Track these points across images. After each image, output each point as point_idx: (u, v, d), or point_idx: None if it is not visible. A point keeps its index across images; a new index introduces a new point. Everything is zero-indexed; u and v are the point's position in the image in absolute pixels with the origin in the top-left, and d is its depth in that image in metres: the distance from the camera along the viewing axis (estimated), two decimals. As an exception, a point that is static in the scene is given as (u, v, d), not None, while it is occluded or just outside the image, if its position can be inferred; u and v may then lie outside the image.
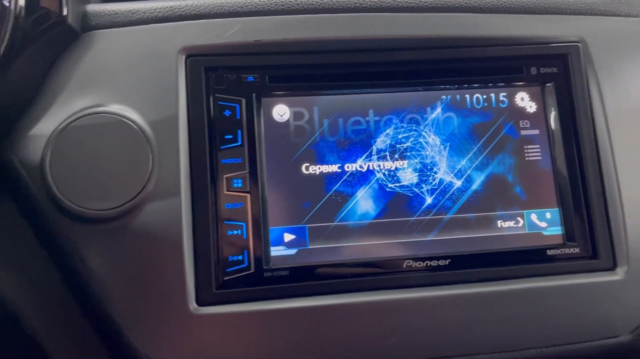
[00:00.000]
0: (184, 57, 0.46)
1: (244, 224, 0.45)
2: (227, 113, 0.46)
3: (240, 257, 0.45)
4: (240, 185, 0.45)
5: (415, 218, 0.47)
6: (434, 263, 0.46)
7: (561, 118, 0.50)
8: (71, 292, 0.45)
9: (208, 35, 0.46)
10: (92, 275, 0.43)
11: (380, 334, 0.44)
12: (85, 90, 0.45)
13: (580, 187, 0.48)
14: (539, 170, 0.49)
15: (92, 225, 0.43)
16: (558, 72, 0.50)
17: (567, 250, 0.48)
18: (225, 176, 0.45)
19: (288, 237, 0.46)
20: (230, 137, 0.46)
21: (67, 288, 0.45)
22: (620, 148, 0.48)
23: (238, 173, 0.45)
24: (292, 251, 0.46)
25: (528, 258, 0.47)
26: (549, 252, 0.48)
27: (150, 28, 0.46)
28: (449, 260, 0.46)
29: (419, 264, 0.46)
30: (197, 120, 0.45)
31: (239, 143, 0.46)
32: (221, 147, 0.45)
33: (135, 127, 0.44)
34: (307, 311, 0.44)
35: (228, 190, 0.45)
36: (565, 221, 0.48)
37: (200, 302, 0.43)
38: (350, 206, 0.47)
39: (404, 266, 0.46)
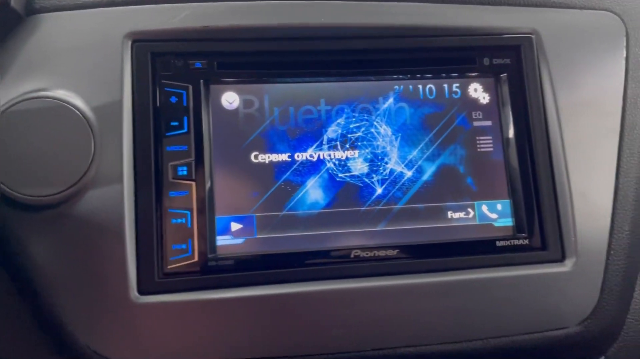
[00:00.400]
0: (130, 42, 0.45)
1: (188, 212, 0.44)
2: (173, 99, 0.45)
3: (184, 246, 0.44)
4: (185, 172, 0.45)
5: (365, 208, 0.47)
6: (382, 253, 0.46)
7: (514, 109, 0.49)
8: (11, 281, 0.44)
9: (155, 20, 0.45)
10: (32, 263, 0.42)
11: (326, 324, 0.44)
12: (29, 74, 0.44)
13: (531, 179, 0.48)
14: (490, 161, 0.49)
15: (31, 212, 0.42)
16: (511, 63, 0.50)
17: (516, 242, 0.48)
18: (170, 163, 0.44)
19: (235, 226, 0.45)
20: (176, 123, 0.45)
21: (7, 277, 0.44)
22: (570, 140, 0.48)
23: (183, 160, 0.45)
24: (239, 241, 0.45)
25: (477, 249, 0.47)
26: (499, 243, 0.47)
27: (96, 12, 0.46)
28: (397, 250, 0.46)
29: (367, 254, 0.46)
30: (142, 107, 0.44)
31: (184, 131, 0.45)
32: (166, 134, 0.45)
33: (77, 112, 0.43)
34: (251, 300, 0.43)
35: (173, 178, 0.44)
36: (516, 213, 0.48)
37: (142, 291, 0.42)
38: (299, 195, 0.46)
39: (352, 256, 0.46)
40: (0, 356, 0.45)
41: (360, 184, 0.47)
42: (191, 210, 0.44)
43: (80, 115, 0.43)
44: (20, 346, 0.45)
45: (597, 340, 0.48)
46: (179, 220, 0.44)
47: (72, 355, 0.43)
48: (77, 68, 0.44)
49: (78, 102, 0.43)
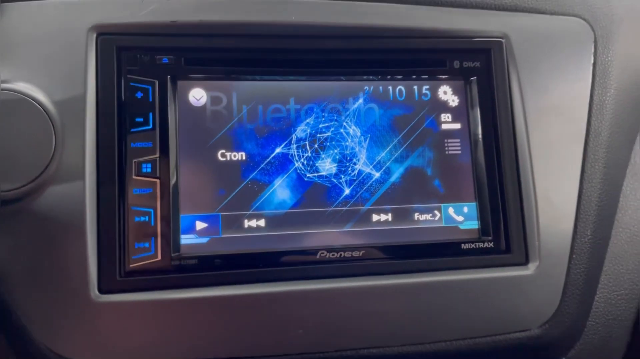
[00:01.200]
0: (94, 35, 0.44)
1: (152, 210, 0.43)
2: (139, 95, 0.44)
3: (147, 244, 0.43)
4: (149, 170, 0.44)
5: (332, 208, 0.47)
6: (347, 254, 0.46)
7: (482, 113, 0.50)
8: None
9: (122, 13, 0.44)
10: None
11: (289, 325, 0.44)
12: (-11, 66, 0.43)
13: (497, 182, 0.48)
14: (458, 164, 0.49)
15: (-11, 207, 0.41)
16: (481, 66, 0.50)
17: (481, 244, 0.48)
18: (134, 160, 0.43)
19: (200, 225, 0.45)
20: (142, 119, 0.44)
21: None
22: (537, 145, 0.49)
23: (147, 157, 0.44)
24: (204, 240, 0.45)
25: (442, 251, 0.47)
26: (464, 246, 0.48)
27: (60, 3, 0.44)
28: (363, 251, 0.46)
29: (333, 255, 0.46)
30: (106, 101, 0.43)
31: (150, 127, 0.44)
32: (131, 130, 0.44)
33: (38, 106, 0.42)
34: (214, 301, 0.43)
35: (137, 175, 0.43)
36: (482, 216, 0.49)
37: (103, 290, 0.42)
38: (266, 195, 0.46)
39: (318, 256, 0.45)
40: None
41: (329, 184, 0.47)
42: (155, 208, 0.43)
43: (42, 109, 0.42)
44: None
45: (558, 342, 0.49)
46: (142, 218, 0.43)
47: (30, 356, 0.42)
48: (40, 61, 0.43)
49: (40, 95, 0.42)
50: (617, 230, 0.54)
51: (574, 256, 0.49)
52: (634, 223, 0.55)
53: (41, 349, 0.41)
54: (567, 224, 0.49)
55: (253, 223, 0.45)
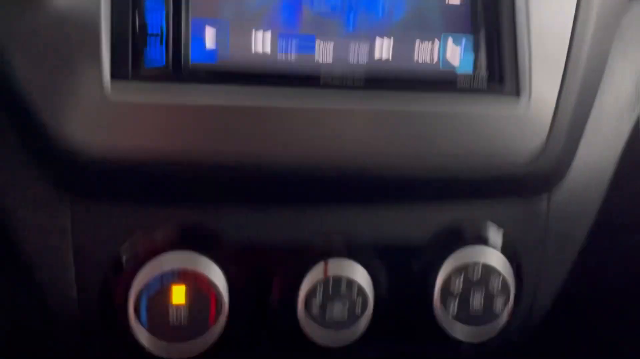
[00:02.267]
0: None
1: (163, 17, 0.45)
2: None
3: (158, 54, 0.45)
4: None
5: (336, 40, 0.48)
6: (349, 82, 0.48)
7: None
8: None
9: None
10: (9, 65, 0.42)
11: (292, 139, 0.46)
12: None
13: (493, 15, 0.50)
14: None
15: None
16: None
17: (475, 82, 0.50)
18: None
19: (211, 41, 0.46)
20: None
21: None
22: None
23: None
24: (213, 60, 0.46)
25: (439, 87, 0.49)
26: (459, 82, 0.50)
27: None
28: (364, 81, 0.48)
29: (335, 82, 0.48)
30: None
31: None
32: None
33: None
34: (222, 110, 0.44)
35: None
36: (477, 50, 0.51)
37: (116, 91, 0.43)
38: (276, 13, 0.47)
39: (322, 82, 0.47)
40: None
41: (334, 19, 0.48)
42: (167, 12, 0.45)
43: None
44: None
45: (543, 176, 0.52)
46: (155, 30, 0.45)
47: (49, 153, 0.44)
48: None
49: None
50: (604, 84, 0.56)
51: (562, 95, 0.51)
52: (619, 79, 0.57)
53: (59, 145, 0.43)
54: (557, 66, 0.51)
55: (262, 45, 0.47)
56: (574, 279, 0.58)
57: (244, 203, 0.49)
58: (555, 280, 0.57)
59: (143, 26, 0.45)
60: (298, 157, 0.46)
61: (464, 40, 0.51)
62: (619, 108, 0.58)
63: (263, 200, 0.49)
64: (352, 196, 0.49)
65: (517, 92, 0.50)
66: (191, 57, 0.46)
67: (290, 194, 0.48)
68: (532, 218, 0.55)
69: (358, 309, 0.47)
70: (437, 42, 0.50)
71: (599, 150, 0.56)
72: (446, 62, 0.50)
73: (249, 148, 0.45)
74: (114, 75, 0.43)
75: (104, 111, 0.43)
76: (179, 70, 0.45)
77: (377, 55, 0.49)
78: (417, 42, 0.50)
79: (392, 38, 0.49)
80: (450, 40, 0.50)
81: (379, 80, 0.49)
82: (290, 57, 0.47)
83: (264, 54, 0.47)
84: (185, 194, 0.47)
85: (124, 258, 0.47)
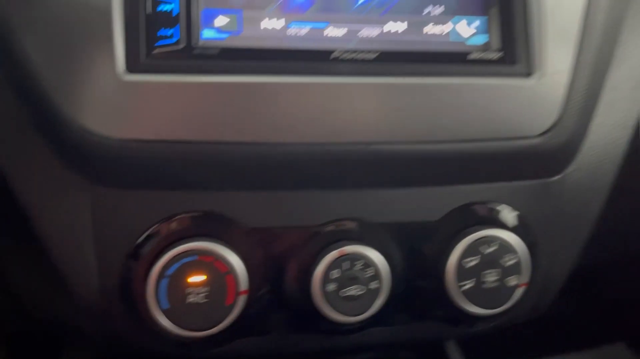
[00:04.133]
0: None
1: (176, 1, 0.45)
2: None
3: (170, 32, 0.45)
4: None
5: (348, 14, 0.49)
6: (360, 56, 0.48)
7: None
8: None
9: None
10: (17, 38, 0.43)
11: (303, 115, 0.46)
12: None
13: None
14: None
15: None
16: None
17: (488, 55, 0.50)
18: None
19: (221, 20, 0.47)
20: None
21: None
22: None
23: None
24: (224, 36, 0.47)
25: (451, 59, 0.49)
26: (471, 55, 0.50)
27: None
28: (376, 55, 0.48)
29: (347, 55, 0.48)
30: None
31: None
32: None
33: None
34: (235, 86, 0.45)
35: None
36: (490, 29, 0.50)
37: (128, 70, 0.44)
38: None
39: (332, 57, 0.48)
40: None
41: None
42: None
43: None
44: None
45: (556, 155, 0.52)
46: (166, 7, 0.45)
47: (66, 137, 0.45)
48: None
49: None
50: (617, 60, 0.56)
51: (575, 71, 0.51)
52: (632, 56, 0.57)
53: (74, 126, 0.44)
54: (571, 40, 0.51)
55: (273, 22, 0.47)
56: (588, 257, 0.59)
57: (258, 188, 0.49)
58: (568, 258, 0.58)
59: (155, 5, 0.45)
60: (310, 132, 0.46)
61: (477, 22, 0.51)
62: (632, 83, 0.57)
63: (276, 183, 0.49)
64: (364, 176, 0.50)
65: (529, 67, 0.50)
66: (202, 35, 0.46)
67: (303, 174, 0.48)
68: (546, 199, 0.54)
69: (373, 287, 0.48)
70: (450, 24, 0.50)
71: (612, 127, 0.56)
72: (457, 35, 0.50)
73: (263, 125, 0.46)
74: (127, 56, 0.44)
75: (118, 92, 0.43)
76: (191, 48, 0.45)
77: (387, 29, 0.49)
78: (430, 25, 0.50)
79: (401, 24, 0.49)
80: (463, 22, 0.50)
81: (389, 54, 0.49)
82: (301, 32, 0.48)
83: (274, 29, 0.47)
84: (202, 178, 0.47)
85: (143, 246, 0.47)
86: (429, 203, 0.52)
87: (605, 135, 0.56)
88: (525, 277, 0.51)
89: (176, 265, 0.45)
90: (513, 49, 0.50)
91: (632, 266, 0.72)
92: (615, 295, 0.78)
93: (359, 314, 0.48)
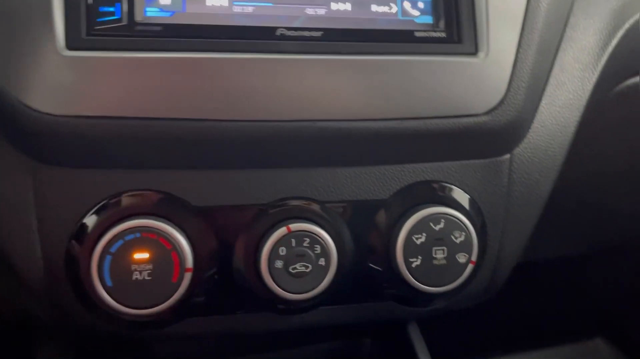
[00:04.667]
0: None
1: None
2: None
3: (112, 9, 0.45)
4: None
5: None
6: (306, 33, 0.48)
7: None
8: None
9: None
10: None
11: (249, 92, 0.46)
12: None
13: None
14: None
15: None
16: None
17: (434, 34, 0.51)
18: None
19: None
20: None
21: None
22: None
23: None
24: (168, 14, 0.47)
25: (399, 37, 0.50)
26: (417, 34, 0.50)
27: None
28: (322, 32, 0.48)
29: (293, 33, 0.48)
30: None
31: None
32: None
33: None
34: (176, 62, 0.45)
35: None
36: (435, 8, 0.51)
37: (69, 47, 0.44)
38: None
39: (277, 33, 0.48)
40: None
41: None
42: None
43: None
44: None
45: (502, 134, 0.52)
46: (107, -17, 0.45)
47: (5, 111, 0.44)
48: None
49: None
50: (567, 41, 0.57)
51: (520, 49, 0.51)
52: (582, 38, 0.58)
53: (14, 103, 0.43)
54: (516, 20, 0.52)
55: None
56: (537, 239, 0.59)
57: (205, 167, 0.49)
58: (519, 238, 0.58)
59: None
60: (255, 110, 0.46)
61: (421, 4, 0.51)
62: (581, 65, 0.58)
63: (223, 162, 0.49)
64: (313, 154, 0.50)
65: (474, 45, 0.50)
66: (145, 11, 0.46)
67: (249, 152, 0.48)
68: (495, 178, 0.55)
69: (321, 263, 0.48)
70: (393, 6, 0.50)
71: (561, 107, 0.57)
72: (405, 12, 0.51)
73: (206, 102, 0.45)
74: (68, 32, 0.44)
75: (59, 68, 0.43)
76: (134, 25, 0.45)
77: (334, 7, 0.49)
78: (374, 6, 0.50)
79: (348, 3, 0.49)
80: (407, 4, 0.51)
81: (336, 32, 0.49)
82: (247, 9, 0.48)
83: (220, 6, 0.47)
84: (145, 155, 0.47)
85: (87, 225, 0.47)
86: (379, 181, 0.52)
87: (554, 115, 0.57)
88: (474, 255, 0.52)
89: (119, 242, 0.44)
90: (459, 28, 0.51)
91: (613, 258, 0.72)
92: (595, 289, 0.79)
93: (307, 292, 0.48)
